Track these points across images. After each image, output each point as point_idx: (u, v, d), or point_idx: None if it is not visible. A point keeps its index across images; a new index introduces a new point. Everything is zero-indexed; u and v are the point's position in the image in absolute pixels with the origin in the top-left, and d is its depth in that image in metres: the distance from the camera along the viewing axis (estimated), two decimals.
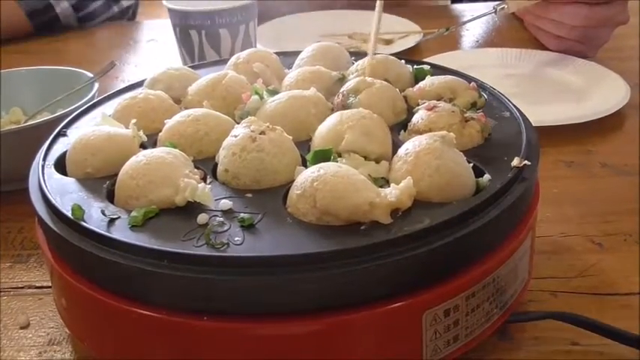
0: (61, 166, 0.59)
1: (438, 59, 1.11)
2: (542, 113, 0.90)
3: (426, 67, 0.73)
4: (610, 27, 1.12)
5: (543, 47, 1.19)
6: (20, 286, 0.66)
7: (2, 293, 0.65)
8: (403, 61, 0.74)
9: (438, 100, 0.64)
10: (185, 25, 1.03)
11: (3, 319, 0.62)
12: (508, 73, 1.11)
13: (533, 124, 0.61)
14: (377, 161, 0.55)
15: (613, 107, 0.93)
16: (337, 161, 0.53)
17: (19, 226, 0.76)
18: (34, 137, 0.65)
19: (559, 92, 1.03)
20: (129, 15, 1.56)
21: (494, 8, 1.13)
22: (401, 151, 0.54)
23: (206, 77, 0.69)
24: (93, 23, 1.46)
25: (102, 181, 0.55)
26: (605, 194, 0.78)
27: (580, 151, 0.87)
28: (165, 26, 1.36)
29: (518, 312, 0.55)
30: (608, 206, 0.75)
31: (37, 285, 0.66)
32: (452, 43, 1.21)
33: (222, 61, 0.80)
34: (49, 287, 0.64)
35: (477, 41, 1.32)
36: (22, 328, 0.60)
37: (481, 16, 1.21)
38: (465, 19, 1.44)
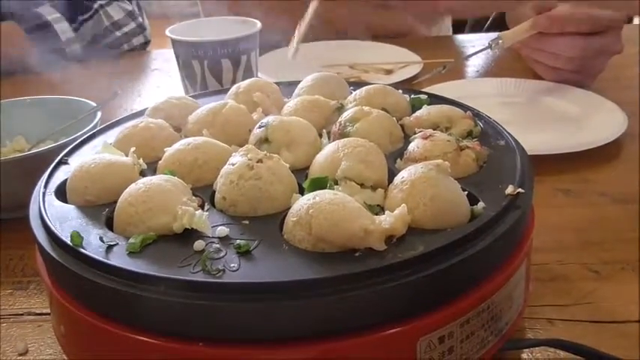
0: (61, 193, 0.60)
1: (437, 89, 1.12)
2: (540, 142, 0.91)
3: (423, 96, 0.75)
4: (605, 57, 1.14)
5: (541, 77, 1.21)
6: (20, 312, 0.67)
7: (2, 320, 0.66)
8: (400, 90, 0.75)
9: (434, 129, 0.65)
10: (188, 56, 1.05)
11: (2, 345, 0.62)
12: (506, 102, 1.12)
13: (531, 153, 0.62)
14: (373, 189, 0.55)
15: (610, 136, 0.94)
16: (333, 189, 0.54)
17: (20, 253, 0.77)
18: (36, 165, 0.66)
19: (557, 121, 1.04)
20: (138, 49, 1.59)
21: (489, 43, 1.15)
22: (397, 179, 0.54)
23: (206, 106, 0.70)
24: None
25: (101, 209, 0.56)
26: (603, 223, 0.78)
27: (578, 179, 0.88)
28: (168, 55, 1.38)
29: (514, 339, 0.55)
30: (605, 234, 0.75)
31: (37, 312, 0.67)
32: (451, 72, 1.23)
33: (223, 91, 0.81)
34: (49, 314, 0.64)
35: (477, 71, 1.34)
36: (20, 354, 0.61)
37: (477, 53, 1.23)
38: (465, 49, 1.46)
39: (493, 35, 1.16)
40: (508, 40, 1.14)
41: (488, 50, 1.17)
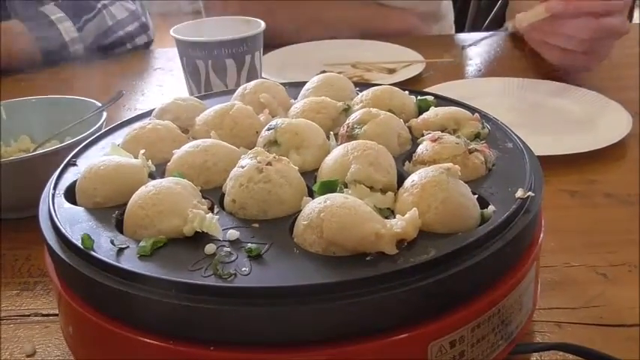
0: (70, 195, 0.59)
1: (441, 88, 1.12)
2: (544, 143, 0.90)
3: (430, 97, 0.75)
4: (613, 38, 1.15)
5: (544, 76, 1.21)
6: (27, 313, 0.67)
7: (9, 321, 0.65)
8: (407, 91, 0.75)
9: (442, 130, 0.65)
10: (192, 55, 1.04)
11: (9, 347, 0.62)
12: (510, 102, 1.12)
13: (536, 154, 0.62)
14: (382, 192, 0.55)
15: (615, 137, 0.94)
16: (343, 192, 0.54)
17: (27, 253, 0.76)
18: (42, 166, 0.66)
19: (561, 122, 1.04)
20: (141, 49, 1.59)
21: (505, 26, 1.18)
22: (407, 182, 0.54)
23: (214, 108, 0.70)
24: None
25: (111, 211, 0.56)
26: (609, 224, 0.78)
27: (583, 180, 0.87)
28: (171, 54, 1.38)
29: (523, 343, 0.55)
30: (612, 236, 0.75)
31: (44, 313, 0.66)
32: (455, 72, 1.23)
33: (229, 92, 0.81)
34: (56, 315, 0.64)
35: (480, 70, 1.34)
36: (28, 356, 0.61)
37: (492, 35, 1.24)
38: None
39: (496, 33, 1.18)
40: (523, 22, 1.17)
41: (491, 49, 1.17)
